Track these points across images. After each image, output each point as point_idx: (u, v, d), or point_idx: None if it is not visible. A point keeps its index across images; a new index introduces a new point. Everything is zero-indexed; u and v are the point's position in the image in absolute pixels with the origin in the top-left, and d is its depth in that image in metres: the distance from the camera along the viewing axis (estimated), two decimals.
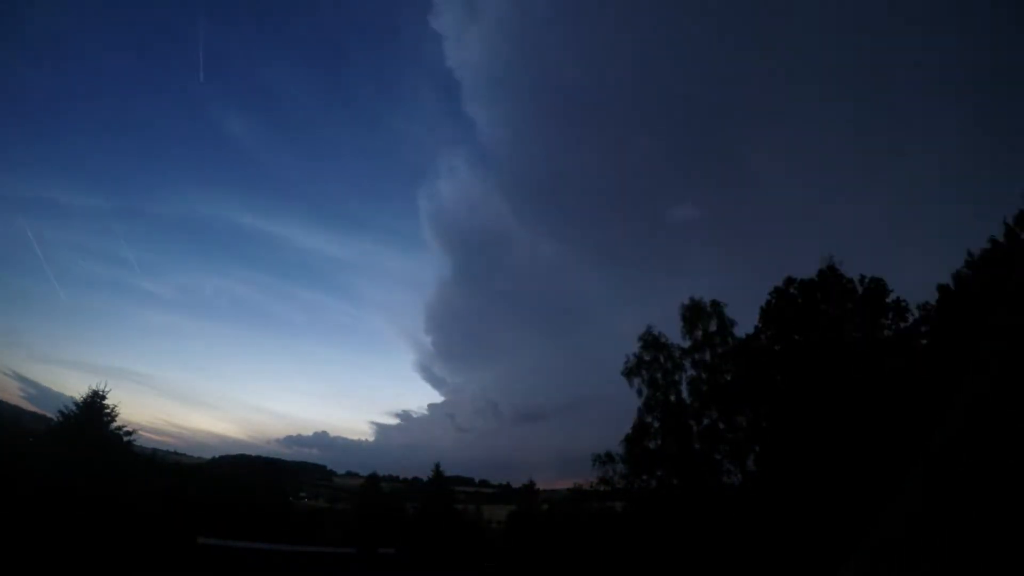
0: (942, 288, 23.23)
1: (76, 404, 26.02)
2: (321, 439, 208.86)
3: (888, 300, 24.67)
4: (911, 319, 24.28)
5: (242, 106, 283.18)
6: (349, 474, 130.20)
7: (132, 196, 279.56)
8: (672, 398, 29.98)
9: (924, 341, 23.49)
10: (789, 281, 26.79)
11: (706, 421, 29.01)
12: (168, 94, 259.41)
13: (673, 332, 30.95)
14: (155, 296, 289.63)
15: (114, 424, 26.48)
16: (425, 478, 50.41)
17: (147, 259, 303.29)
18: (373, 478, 52.77)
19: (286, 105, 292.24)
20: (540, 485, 52.87)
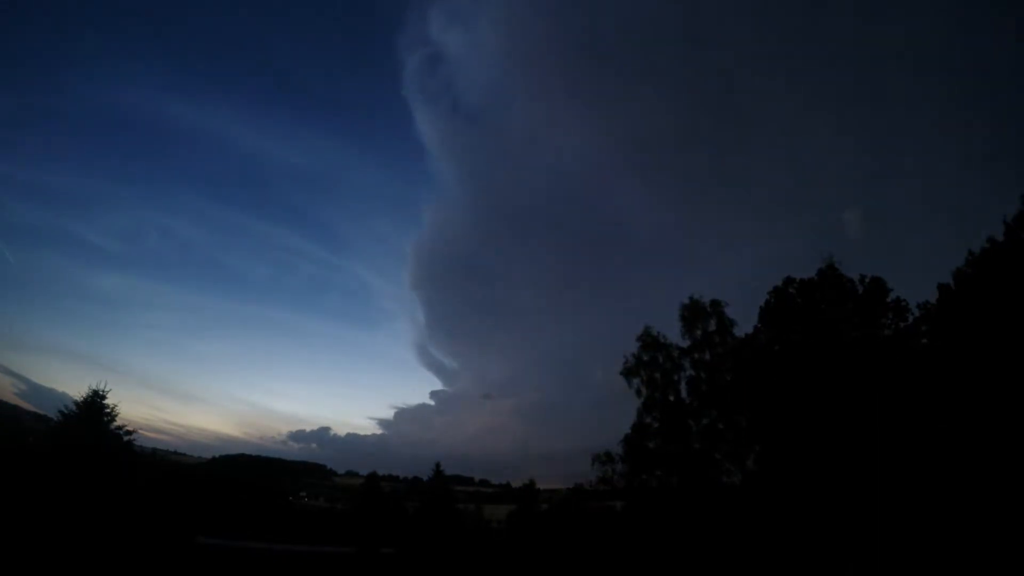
0: (942, 287, 23.18)
1: (76, 404, 26.01)
2: (321, 435, 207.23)
3: (888, 300, 24.65)
4: (911, 319, 24.27)
5: None
6: (349, 474, 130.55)
7: (38, 84, 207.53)
8: (671, 398, 30.01)
9: (924, 341, 23.47)
10: (788, 281, 26.79)
11: (705, 421, 29.06)
12: None
13: (672, 332, 31.04)
14: (99, 251, 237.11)
15: (114, 424, 26.48)
16: (425, 477, 50.49)
17: (76, 188, 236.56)
18: (373, 477, 52.90)
19: None
20: (540, 484, 53.00)
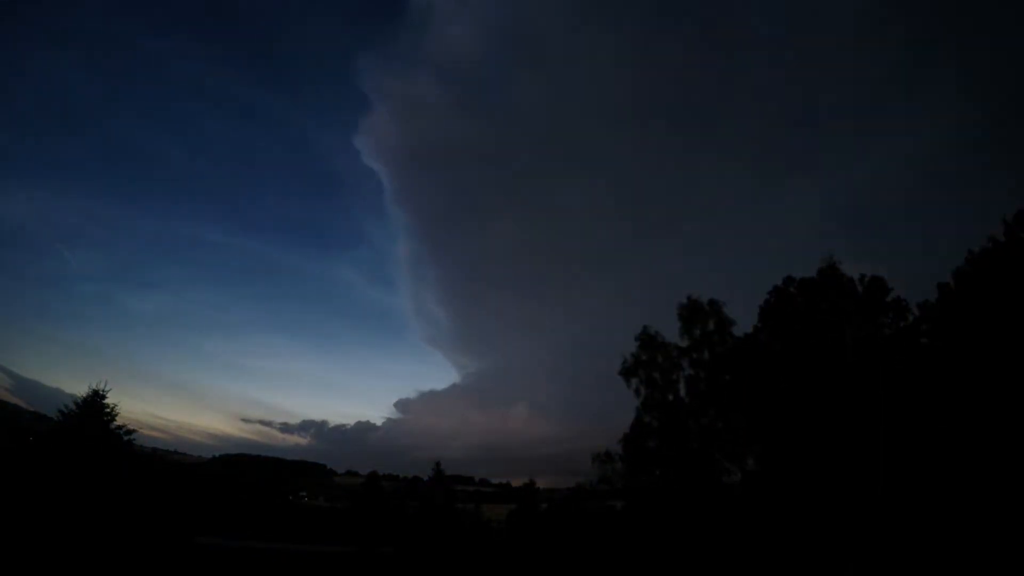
0: (942, 287, 23.18)
1: (76, 403, 25.99)
2: (320, 431, 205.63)
3: (888, 299, 24.64)
4: (911, 318, 24.26)
5: None
6: (349, 473, 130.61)
7: None
8: (670, 397, 29.98)
9: (924, 340, 23.46)
10: (789, 280, 26.80)
11: (704, 420, 29.02)
12: None
13: (670, 331, 30.98)
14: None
15: (114, 424, 26.45)
16: (425, 477, 50.51)
17: None
18: (373, 477, 52.94)
19: None
20: (540, 484, 52.96)
